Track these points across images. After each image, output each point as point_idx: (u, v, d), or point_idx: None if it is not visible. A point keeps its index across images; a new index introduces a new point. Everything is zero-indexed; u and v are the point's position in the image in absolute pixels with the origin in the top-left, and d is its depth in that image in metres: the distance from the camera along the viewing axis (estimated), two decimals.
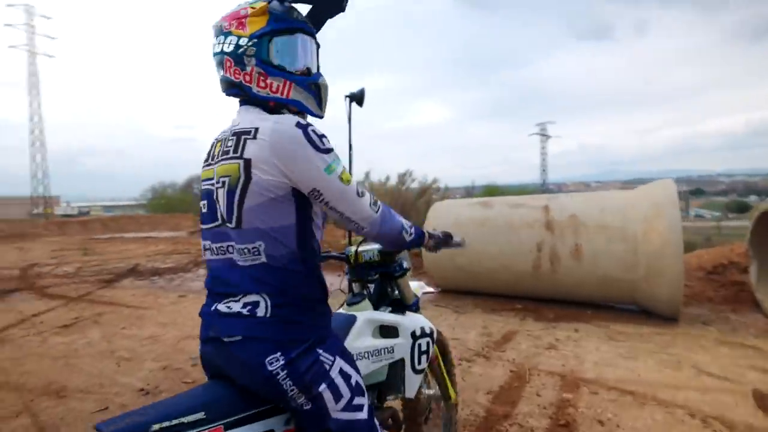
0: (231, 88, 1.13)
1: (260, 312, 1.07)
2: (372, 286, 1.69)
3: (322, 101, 1.19)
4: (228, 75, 1.10)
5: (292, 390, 1.06)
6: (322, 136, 1.07)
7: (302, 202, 1.10)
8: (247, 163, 1.04)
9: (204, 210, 1.16)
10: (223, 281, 1.12)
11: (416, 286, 1.92)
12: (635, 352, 3.60)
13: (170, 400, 1.07)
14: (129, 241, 15.43)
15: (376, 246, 1.61)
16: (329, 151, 1.07)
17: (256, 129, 1.06)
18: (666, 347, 3.70)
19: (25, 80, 37.50)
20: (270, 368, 1.04)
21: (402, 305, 1.65)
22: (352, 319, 1.44)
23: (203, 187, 1.18)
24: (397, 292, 1.67)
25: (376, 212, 1.14)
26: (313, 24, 1.21)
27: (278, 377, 1.05)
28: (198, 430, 0.96)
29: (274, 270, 1.08)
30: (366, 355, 1.40)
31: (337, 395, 1.10)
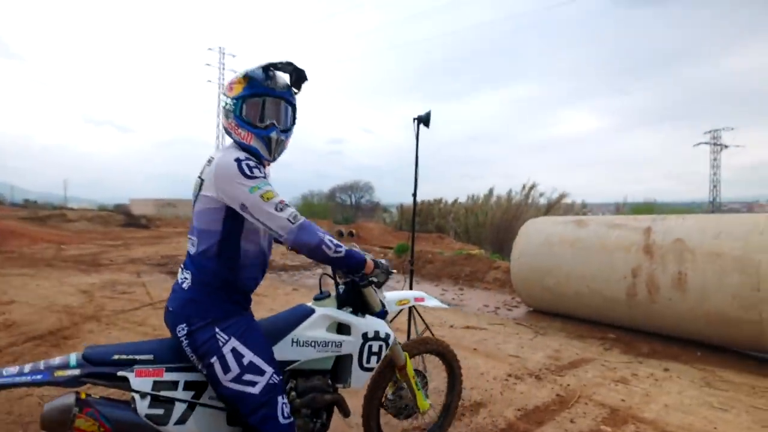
0: (225, 132, 1.62)
1: (185, 286, 1.50)
2: (342, 288, 1.88)
3: (272, 149, 1.57)
4: (223, 125, 1.61)
5: (192, 355, 1.45)
6: (252, 167, 1.43)
7: (231, 216, 1.47)
8: (201, 181, 1.51)
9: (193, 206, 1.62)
10: (185, 261, 1.59)
11: (408, 296, 2.17)
12: (731, 403, 3.08)
13: (135, 344, 1.58)
14: None
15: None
16: (255, 177, 1.41)
17: (212, 159, 1.53)
18: None
19: (214, 107, 47.44)
20: (178, 335, 1.45)
21: (367, 310, 1.85)
22: (309, 312, 1.74)
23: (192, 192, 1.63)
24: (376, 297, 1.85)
25: (294, 224, 1.42)
26: (297, 81, 1.62)
27: (183, 343, 1.45)
28: (145, 366, 1.45)
29: (199, 259, 1.50)
30: (312, 344, 1.68)
31: (226, 369, 1.41)
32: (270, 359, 1.51)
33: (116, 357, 1.44)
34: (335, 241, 1.50)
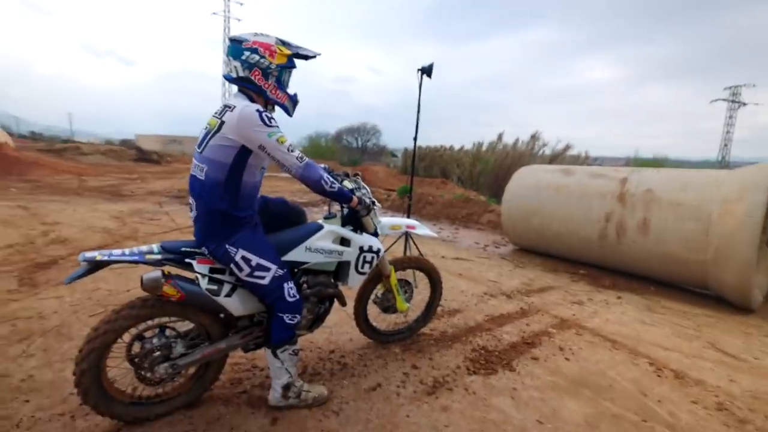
0: (247, 83, 1.98)
1: (193, 216, 1.94)
2: (346, 212, 2.44)
3: (294, 108, 2.08)
4: (253, 78, 1.96)
5: (218, 261, 1.95)
6: (270, 118, 1.80)
7: (242, 154, 1.82)
8: (221, 123, 1.82)
9: (199, 140, 1.93)
10: (190, 185, 1.95)
11: (401, 223, 2.75)
12: (660, 322, 3.79)
13: (195, 242, 2.08)
14: (283, 179, 18.81)
15: (362, 191, 2.39)
16: (272, 126, 1.80)
17: (232, 106, 1.83)
18: (701, 326, 3.76)
19: (220, 40, 45.88)
20: (205, 254, 1.96)
21: (364, 230, 2.41)
22: (319, 227, 2.27)
23: (203, 128, 1.95)
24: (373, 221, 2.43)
25: (301, 163, 1.85)
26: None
27: (209, 255, 1.95)
28: (203, 257, 1.96)
29: (209, 185, 1.84)
30: (321, 251, 2.23)
31: (240, 270, 1.90)
32: (273, 258, 1.98)
33: (183, 249, 2.05)
34: (331, 179, 1.97)
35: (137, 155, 22.87)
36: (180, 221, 6.89)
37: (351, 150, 40.93)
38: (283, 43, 2.00)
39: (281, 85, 1.99)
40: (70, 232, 5.62)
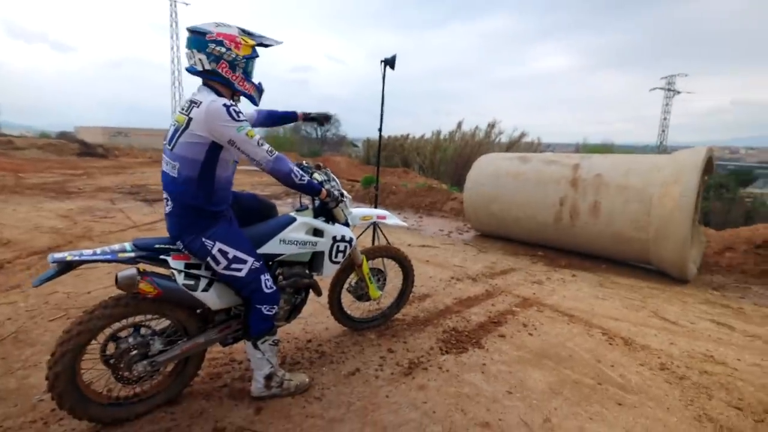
0: (214, 76, 1.96)
1: (168, 210, 1.93)
2: (318, 203, 2.47)
3: (260, 97, 2.09)
4: (220, 70, 1.94)
5: (194, 255, 1.96)
6: (238, 112, 1.81)
7: (213, 150, 1.84)
8: (189, 119, 1.82)
9: (167, 136, 1.93)
10: (163, 182, 1.95)
11: (371, 213, 2.82)
12: (611, 296, 4.13)
13: (169, 238, 2.05)
14: (243, 172, 18.27)
15: (332, 183, 2.45)
16: (240, 120, 1.81)
17: (201, 102, 1.82)
18: (645, 298, 4.14)
19: (168, 26, 43.33)
20: (179, 247, 1.96)
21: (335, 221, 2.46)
22: (292, 219, 2.29)
23: (171, 124, 1.96)
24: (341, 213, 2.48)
25: (271, 156, 1.87)
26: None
27: (185, 250, 1.96)
28: (178, 253, 1.97)
29: (182, 182, 1.86)
30: (295, 243, 2.26)
31: (217, 263, 1.93)
32: (249, 250, 2.01)
33: (157, 246, 2.02)
34: (301, 173, 2.02)
35: (81, 149, 21.34)
36: (136, 218, 6.59)
37: (310, 140, 40.27)
38: (246, 32, 1.99)
39: (247, 75, 1.99)
40: (13, 233, 5.24)
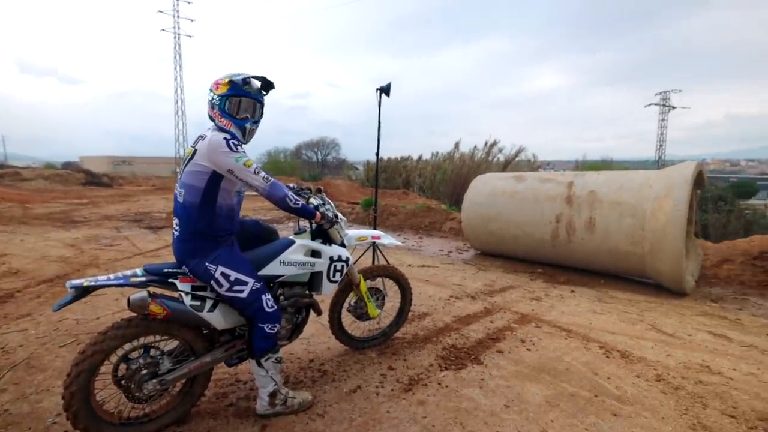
0: (209, 119, 2.23)
1: (176, 234, 2.09)
2: (315, 226, 2.59)
3: (245, 135, 2.21)
4: (208, 112, 2.19)
5: (198, 279, 2.08)
6: (236, 144, 1.99)
7: (214, 179, 2.00)
8: (195, 151, 2.04)
9: (181, 167, 2.12)
10: (174, 207, 2.12)
11: (367, 234, 2.94)
12: (609, 310, 4.18)
13: (177, 263, 2.19)
14: (247, 198, 18.53)
15: (326, 206, 2.56)
16: (238, 152, 1.98)
17: (205, 136, 2.06)
18: (643, 311, 4.19)
19: (171, 58, 44.66)
20: (184, 271, 2.09)
21: (332, 242, 2.59)
22: (291, 242, 2.43)
23: (184, 156, 2.28)
24: (337, 234, 2.61)
25: (266, 183, 2.03)
26: (265, 87, 2.24)
27: (190, 273, 2.08)
28: (185, 276, 2.12)
29: (187, 208, 2.03)
30: (294, 264, 2.38)
31: (220, 286, 2.05)
32: (250, 272, 2.13)
33: (166, 270, 2.15)
34: (295, 197, 2.16)
35: (86, 179, 21.74)
36: (141, 246, 6.72)
37: (311, 164, 40.82)
38: (250, 77, 2.18)
39: (224, 112, 2.13)
40: (22, 263, 5.37)
